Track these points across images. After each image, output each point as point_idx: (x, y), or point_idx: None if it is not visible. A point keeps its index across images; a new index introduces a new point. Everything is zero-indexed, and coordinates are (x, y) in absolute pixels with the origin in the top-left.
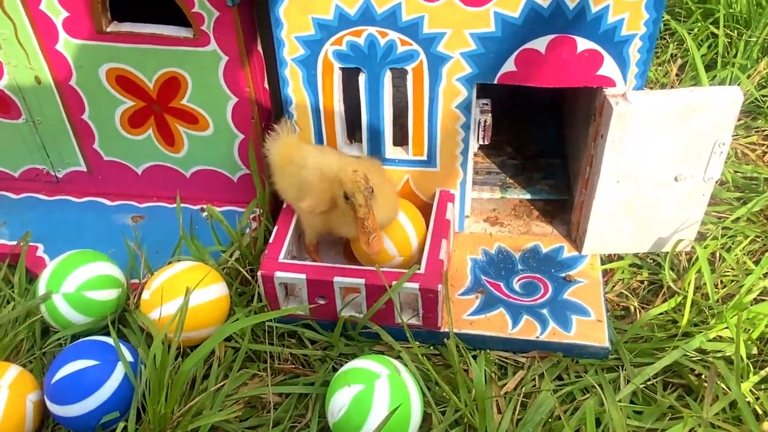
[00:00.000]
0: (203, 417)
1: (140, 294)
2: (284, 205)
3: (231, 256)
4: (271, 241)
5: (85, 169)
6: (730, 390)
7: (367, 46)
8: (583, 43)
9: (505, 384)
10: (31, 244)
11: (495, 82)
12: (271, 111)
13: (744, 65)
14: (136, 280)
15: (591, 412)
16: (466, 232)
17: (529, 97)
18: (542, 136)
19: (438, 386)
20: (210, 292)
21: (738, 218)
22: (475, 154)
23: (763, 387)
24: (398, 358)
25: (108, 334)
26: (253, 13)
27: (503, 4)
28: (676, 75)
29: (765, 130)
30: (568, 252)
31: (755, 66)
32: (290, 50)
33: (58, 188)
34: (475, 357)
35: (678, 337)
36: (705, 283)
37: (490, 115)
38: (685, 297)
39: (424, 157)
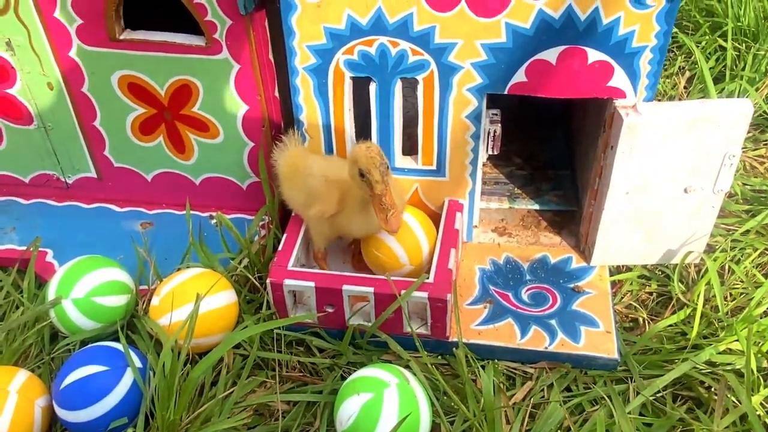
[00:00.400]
0: (211, 424)
1: (149, 300)
2: (293, 213)
3: (240, 263)
4: (280, 248)
5: (95, 176)
6: (740, 403)
7: (378, 56)
8: (594, 55)
9: (514, 394)
10: (40, 249)
11: (505, 92)
12: (282, 119)
13: (752, 78)
14: (145, 287)
15: (601, 423)
16: (475, 242)
17: (538, 107)
18: (551, 146)
19: (447, 396)
20: (219, 300)
21: (747, 231)
22: (484, 164)
23: None
24: (407, 367)
25: (117, 339)
26: (265, 22)
27: (515, 15)
28: (684, 87)
29: None
30: (576, 263)
31: (763, 79)
32: (302, 59)
33: (68, 194)
34: (483, 367)
35: (687, 349)
36: (714, 296)
37: (499, 125)
38: (695, 309)
39: (434, 167)
